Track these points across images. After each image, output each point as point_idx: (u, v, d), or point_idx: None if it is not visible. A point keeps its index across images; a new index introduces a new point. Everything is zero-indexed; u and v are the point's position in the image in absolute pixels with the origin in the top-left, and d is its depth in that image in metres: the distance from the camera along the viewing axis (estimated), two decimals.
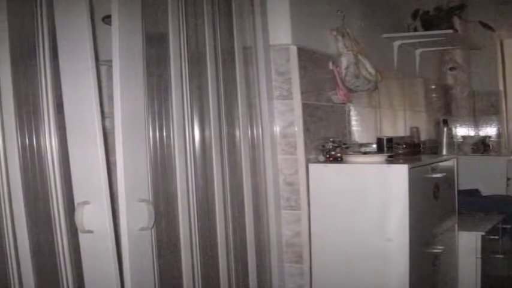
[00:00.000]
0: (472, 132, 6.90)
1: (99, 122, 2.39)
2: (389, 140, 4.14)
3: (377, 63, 4.25)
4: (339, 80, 4.01)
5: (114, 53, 2.44)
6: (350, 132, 4.31)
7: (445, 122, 5.71)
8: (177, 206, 2.82)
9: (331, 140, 3.82)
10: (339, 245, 3.66)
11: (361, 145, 4.29)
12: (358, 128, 4.43)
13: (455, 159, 4.39)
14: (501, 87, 7.03)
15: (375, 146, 4.18)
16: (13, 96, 2.42)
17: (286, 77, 3.65)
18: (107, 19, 2.69)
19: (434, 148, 5.63)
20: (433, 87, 6.27)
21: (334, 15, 4.08)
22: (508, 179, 5.51)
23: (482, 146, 6.18)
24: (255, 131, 3.50)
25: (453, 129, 6.19)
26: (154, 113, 2.73)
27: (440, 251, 3.97)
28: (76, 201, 2.42)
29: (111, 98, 2.48)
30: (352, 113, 4.34)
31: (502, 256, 4.83)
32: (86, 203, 2.40)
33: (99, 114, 2.39)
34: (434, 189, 3.92)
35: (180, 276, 2.85)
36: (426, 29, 5.23)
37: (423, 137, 5.55)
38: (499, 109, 6.98)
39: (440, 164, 4.12)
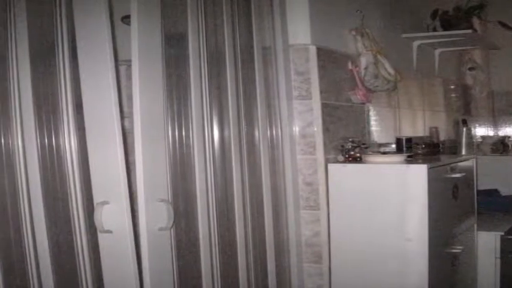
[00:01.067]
0: (491, 132, 6.83)
1: (118, 122, 2.37)
2: (409, 140, 4.13)
3: (396, 63, 4.21)
4: (358, 80, 3.98)
5: (133, 53, 2.43)
6: (369, 132, 4.29)
7: (464, 122, 5.66)
8: (196, 206, 2.80)
9: (350, 140, 3.79)
10: (358, 245, 3.63)
11: (380, 145, 4.28)
12: (377, 128, 4.40)
13: (474, 159, 4.35)
14: None
15: (394, 146, 4.18)
16: (32, 96, 2.42)
17: (306, 77, 3.62)
18: (126, 19, 2.68)
19: (453, 148, 5.58)
20: (452, 87, 6.23)
21: (354, 15, 4.05)
22: None
23: (501, 146, 6.11)
24: (274, 131, 3.47)
25: (472, 129, 6.12)
26: (174, 113, 2.72)
27: (460, 251, 3.94)
28: (95, 201, 2.41)
29: (130, 98, 2.47)
30: (372, 113, 4.31)
31: None
32: (105, 202, 2.39)
33: (118, 114, 2.38)
34: (454, 189, 3.89)
35: (200, 276, 2.83)
36: (445, 29, 5.20)
37: (442, 137, 5.51)
38: None
39: (460, 164, 4.09)
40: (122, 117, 2.45)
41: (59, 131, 2.46)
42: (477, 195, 4.45)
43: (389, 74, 4.04)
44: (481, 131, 6.79)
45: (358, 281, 3.65)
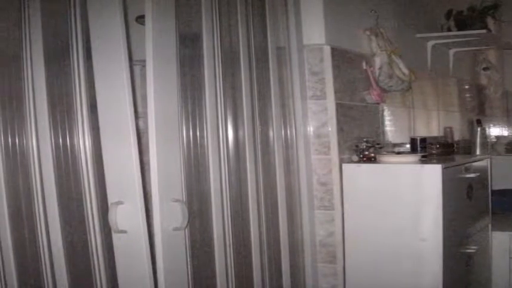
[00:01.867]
0: (505, 132, 6.79)
1: (132, 122, 2.36)
2: (423, 140, 4.11)
3: (410, 63, 4.19)
4: (372, 80, 3.96)
5: (147, 53, 2.41)
6: (383, 132, 4.26)
7: (479, 122, 5.61)
8: (211, 206, 2.79)
9: (364, 140, 3.78)
10: (372, 245, 3.61)
11: (395, 145, 4.26)
12: (391, 128, 4.38)
13: (488, 159, 4.33)
14: None
15: (408, 146, 4.17)
16: (47, 96, 2.42)
17: (320, 77, 3.60)
18: (141, 19, 2.67)
19: (467, 148, 5.54)
20: (466, 87, 6.20)
21: (368, 15, 4.03)
22: None
23: None
24: (288, 131, 3.45)
25: (487, 129, 6.08)
26: (188, 113, 2.70)
27: (474, 251, 3.92)
28: (110, 201, 2.41)
29: (144, 98, 2.46)
30: (386, 113, 4.29)
31: None
32: (119, 203, 2.38)
33: (133, 114, 2.37)
34: (468, 189, 3.87)
35: (214, 276, 2.82)
36: (460, 29, 5.16)
37: (457, 137, 5.48)
38: None
39: (474, 164, 4.07)
40: (136, 117, 2.43)
41: (73, 131, 2.46)
42: (491, 195, 4.42)
43: (403, 74, 4.03)
44: (495, 131, 6.75)
45: (373, 281, 3.63)
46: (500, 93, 6.78)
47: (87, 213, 2.48)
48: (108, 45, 2.36)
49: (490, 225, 4.39)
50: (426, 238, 3.45)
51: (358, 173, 3.65)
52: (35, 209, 2.44)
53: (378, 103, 4.11)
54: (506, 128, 6.83)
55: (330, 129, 3.60)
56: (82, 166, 2.46)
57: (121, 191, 2.40)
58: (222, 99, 2.88)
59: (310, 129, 3.63)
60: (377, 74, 3.96)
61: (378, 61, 3.98)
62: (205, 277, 2.79)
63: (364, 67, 3.97)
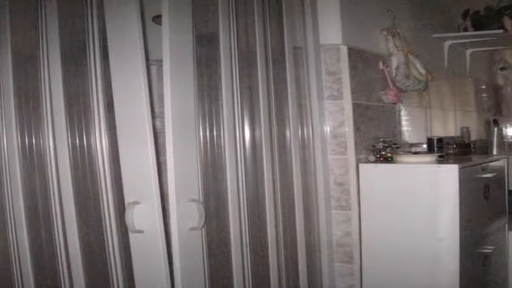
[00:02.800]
0: None
1: (149, 122, 2.35)
2: (440, 140, 4.10)
3: (427, 63, 4.16)
4: (389, 80, 3.94)
5: (164, 53, 2.39)
6: (400, 132, 4.24)
7: (496, 122, 5.59)
8: (227, 206, 2.77)
9: (381, 140, 3.75)
10: (389, 245, 3.59)
11: (412, 145, 4.25)
12: (408, 128, 4.36)
13: (505, 159, 4.29)
14: None
15: (425, 146, 4.15)
16: (64, 96, 2.42)
17: (337, 77, 3.58)
18: (157, 19, 2.65)
19: (484, 148, 5.53)
20: (483, 87, 6.18)
21: (385, 15, 4.00)
22: None
23: None
24: (305, 131, 3.43)
25: (503, 129, 6.05)
26: (205, 113, 2.69)
27: (491, 251, 3.89)
28: (126, 201, 2.40)
29: (161, 98, 2.44)
30: (403, 112, 4.27)
31: None
32: (136, 202, 2.37)
33: (150, 114, 2.35)
34: (485, 189, 3.84)
35: (231, 276, 2.80)
36: (476, 29, 5.14)
37: (473, 137, 5.45)
38: None
39: (491, 164, 4.03)
40: (153, 117, 2.42)
41: (90, 131, 2.46)
42: (508, 195, 4.38)
43: (420, 74, 4.01)
44: None
45: (389, 281, 3.61)
46: None
47: (104, 213, 2.48)
48: (125, 45, 2.35)
49: (506, 225, 4.34)
50: (443, 238, 3.42)
51: (374, 173, 3.62)
52: (52, 210, 2.45)
53: (395, 103, 4.08)
54: None
55: (346, 129, 3.58)
56: (99, 166, 2.46)
57: (138, 191, 2.38)
58: (239, 99, 2.86)
59: (327, 129, 3.61)
60: (394, 74, 3.94)
61: (394, 61, 3.95)
62: (222, 277, 2.77)
63: (381, 67, 3.94)
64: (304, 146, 3.43)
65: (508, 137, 6.37)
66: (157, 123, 2.63)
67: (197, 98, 2.60)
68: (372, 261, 3.64)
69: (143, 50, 2.34)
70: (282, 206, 3.18)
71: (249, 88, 2.97)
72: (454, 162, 3.53)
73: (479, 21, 5.16)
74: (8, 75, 2.48)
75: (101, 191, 2.46)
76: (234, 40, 2.84)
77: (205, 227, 2.58)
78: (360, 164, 3.62)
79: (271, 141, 3.09)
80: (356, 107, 3.62)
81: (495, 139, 5.37)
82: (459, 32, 5.22)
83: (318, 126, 3.52)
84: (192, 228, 2.47)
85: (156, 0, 2.42)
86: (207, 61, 2.72)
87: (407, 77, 3.93)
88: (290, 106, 3.27)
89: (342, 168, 3.61)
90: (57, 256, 2.45)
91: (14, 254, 2.53)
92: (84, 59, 2.44)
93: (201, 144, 2.65)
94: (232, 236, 2.78)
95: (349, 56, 3.59)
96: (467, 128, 5.29)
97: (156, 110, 2.80)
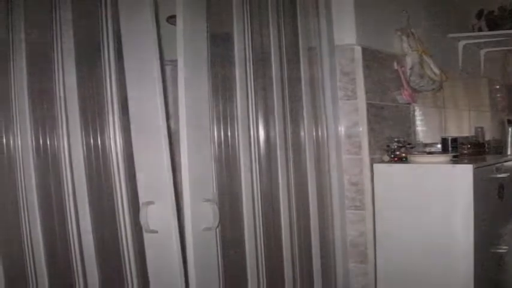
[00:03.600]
0: None
1: (163, 122, 2.34)
2: (454, 140, 4.08)
3: (442, 63, 4.15)
4: (403, 80, 3.91)
5: (179, 53, 2.38)
6: (415, 132, 4.22)
7: (510, 122, 5.54)
8: (242, 206, 2.75)
9: (396, 140, 3.73)
10: (403, 245, 3.57)
11: (426, 145, 4.22)
12: (422, 128, 4.34)
13: None
14: None
15: (439, 146, 4.12)
16: (78, 96, 2.43)
17: (351, 77, 3.56)
18: (172, 19, 2.63)
19: (498, 148, 5.47)
20: (497, 87, 6.14)
21: (399, 15, 3.98)
22: None
23: None
24: (319, 131, 3.42)
25: None
26: (219, 113, 2.67)
27: (505, 251, 3.87)
28: (141, 201, 2.39)
29: (175, 98, 2.43)
30: (417, 113, 4.25)
31: None
32: (150, 202, 2.36)
33: (164, 115, 2.35)
34: (499, 189, 3.83)
35: (245, 276, 2.79)
36: (491, 29, 5.11)
37: (487, 137, 5.40)
38: None
39: (505, 164, 4.01)
40: (168, 118, 2.41)
41: (105, 132, 2.46)
42: None
43: (434, 74, 3.99)
44: None
45: (404, 280, 3.60)
46: None
47: (118, 213, 2.48)
48: (139, 46, 2.35)
49: None
50: (457, 238, 3.40)
51: (389, 173, 3.61)
52: (67, 209, 2.45)
53: (409, 103, 4.06)
54: None
55: (361, 129, 3.56)
56: (113, 166, 2.45)
57: (152, 191, 2.38)
58: (253, 100, 2.85)
59: (341, 129, 3.59)
60: (408, 74, 3.92)
61: (409, 61, 3.94)
62: (237, 277, 2.76)
63: (395, 67, 3.92)
64: (319, 146, 3.41)
65: None
66: (172, 123, 2.61)
67: (211, 98, 2.58)
68: (386, 261, 3.62)
69: (157, 50, 2.34)
70: (297, 206, 3.16)
71: (264, 89, 2.96)
72: (469, 162, 3.51)
73: (494, 21, 5.13)
74: (22, 76, 2.48)
75: (116, 191, 2.46)
76: (248, 40, 2.82)
77: (219, 227, 2.56)
78: (374, 164, 3.61)
79: (285, 141, 3.08)
80: (370, 107, 3.60)
81: (509, 139, 5.32)
82: (473, 32, 5.19)
83: (332, 126, 3.51)
84: (207, 228, 2.46)
85: (170, 0, 2.41)
86: (221, 61, 2.70)
87: (421, 77, 3.92)
88: (304, 106, 3.26)
89: (356, 168, 3.59)
90: (72, 255, 2.46)
91: (29, 253, 2.54)
92: (98, 60, 2.44)
93: (216, 145, 2.63)
94: (246, 236, 2.77)
95: (364, 56, 3.57)
96: (481, 128, 5.25)
97: (171, 110, 2.79)
